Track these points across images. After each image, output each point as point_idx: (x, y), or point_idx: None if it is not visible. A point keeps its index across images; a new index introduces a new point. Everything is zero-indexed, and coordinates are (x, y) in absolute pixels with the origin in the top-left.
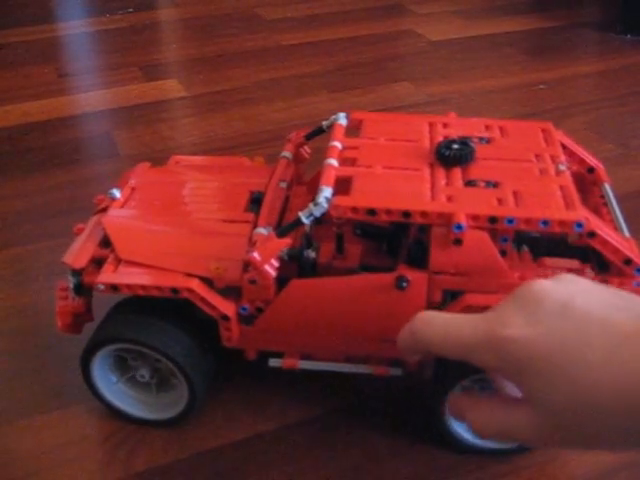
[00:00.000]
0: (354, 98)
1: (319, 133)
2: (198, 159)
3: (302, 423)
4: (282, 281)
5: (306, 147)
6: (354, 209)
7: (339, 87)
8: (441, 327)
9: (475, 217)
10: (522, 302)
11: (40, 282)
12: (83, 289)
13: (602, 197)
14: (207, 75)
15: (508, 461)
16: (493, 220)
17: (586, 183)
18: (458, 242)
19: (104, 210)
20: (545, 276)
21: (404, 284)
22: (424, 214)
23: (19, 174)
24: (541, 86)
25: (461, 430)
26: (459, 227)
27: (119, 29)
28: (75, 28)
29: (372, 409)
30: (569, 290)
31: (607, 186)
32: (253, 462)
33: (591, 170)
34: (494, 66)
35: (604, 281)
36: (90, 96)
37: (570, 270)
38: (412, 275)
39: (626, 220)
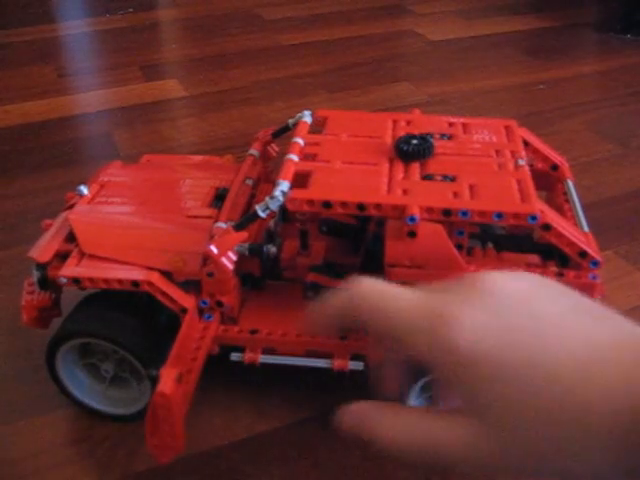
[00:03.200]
0: (354, 98)
1: (285, 131)
2: (169, 158)
3: (302, 423)
4: (247, 277)
5: (273, 145)
6: (310, 202)
7: (339, 87)
8: (380, 296)
9: (429, 209)
10: (474, 290)
11: None
12: (48, 283)
13: (565, 194)
14: (207, 75)
15: None
16: (447, 212)
17: (550, 180)
18: (412, 234)
19: (72, 207)
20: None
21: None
22: (378, 206)
23: (19, 174)
24: (541, 86)
25: None
26: (412, 219)
27: (119, 29)
28: (75, 28)
29: None
30: (532, 286)
31: (570, 183)
32: (253, 462)
33: (555, 167)
34: (494, 66)
35: (560, 274)
36: (90, 96)
37: (531, 265)
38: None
39: (628, 219)
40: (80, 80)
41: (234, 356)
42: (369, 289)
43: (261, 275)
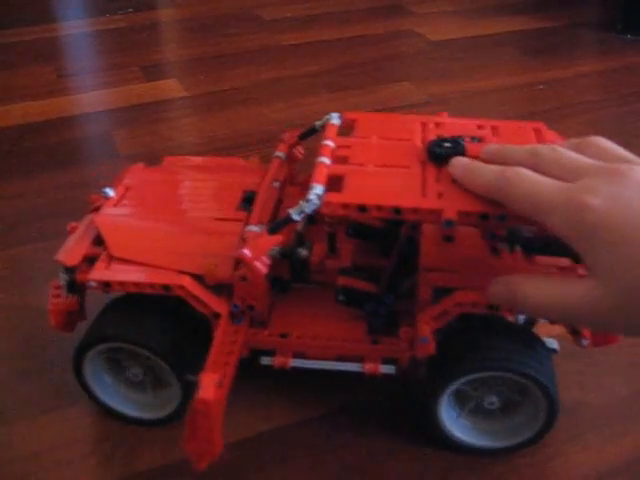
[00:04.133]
0: (354, 98)
1: (312, 133)
2: (192, 159)
3: (302, 423)
4: (275, 281)
5: (299, 147)
6: (345, 206)
7: (339, 87)
8: (528, 183)
9: (466, 214)
10: (611, 177)
11: (40, 282)
12: (75, 287)
13: None
14: (207, 75)
15: (508, 460)
16: (484, 217)
17: None
18: (448, 239)
19: (98, 209)
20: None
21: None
22: (415, 210)
23: (19, 174)
24: (541, 86)
25: (454, 429)
26: (449, 223)
27: (119, 29)
28: (75, 28)
29: (372, 409)
30: None
31: None
32: (253, 462)
33: None
34: (494, 66)
35: None
36: (90, 96)
37: (562, 268)
38: None
39: None
40: (80, 80)
41: (264, 360)
42: (515, 173)
43: (291, 279)
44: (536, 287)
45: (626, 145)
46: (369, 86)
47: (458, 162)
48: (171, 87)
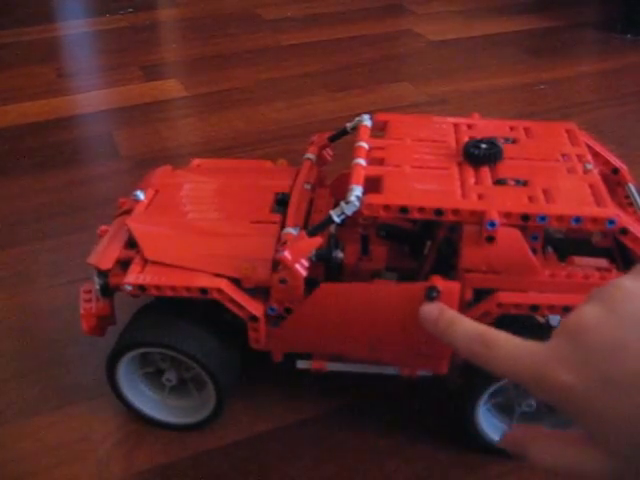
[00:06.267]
0: (354, 98)
1: (343, 135)
2: (219, 161)
3: (302, 423)
4: (308, 283)
5: (328, 149)
6: (386, 207)
7: (339, 87)
8: (503, 348)
9: (507, 214)
10: (579, 341)
11: (40, 282)
12: (109, 290)
13: (627, 197)
14: (207, 75)
15: (509, 460)
16: (525, 217)
17: (610, 183)
18: (491, 239)
19: (127, 212)
20: (575, 275)
21: (434, 294)
22: (456, 212)
23: (19, 174)
24: (541, 86)
25: (490, 431)
26: (492, 224)
27: (119, 29)
28: (75, 28)
29: (372, 409)
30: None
31: (632, 186)
32: (253, 462)
33: (616, 171)
34: (494, 66)
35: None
36: (90, 96)
37: (601, 269)
38: (443, 285)
39: None
40: (80, 80)
41: (300, 363)
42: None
43: (324, 281)
44: (543, 448)
45: (626, 145)
46: (369, 86)
47: (429, 311)
48: (171, 87)
